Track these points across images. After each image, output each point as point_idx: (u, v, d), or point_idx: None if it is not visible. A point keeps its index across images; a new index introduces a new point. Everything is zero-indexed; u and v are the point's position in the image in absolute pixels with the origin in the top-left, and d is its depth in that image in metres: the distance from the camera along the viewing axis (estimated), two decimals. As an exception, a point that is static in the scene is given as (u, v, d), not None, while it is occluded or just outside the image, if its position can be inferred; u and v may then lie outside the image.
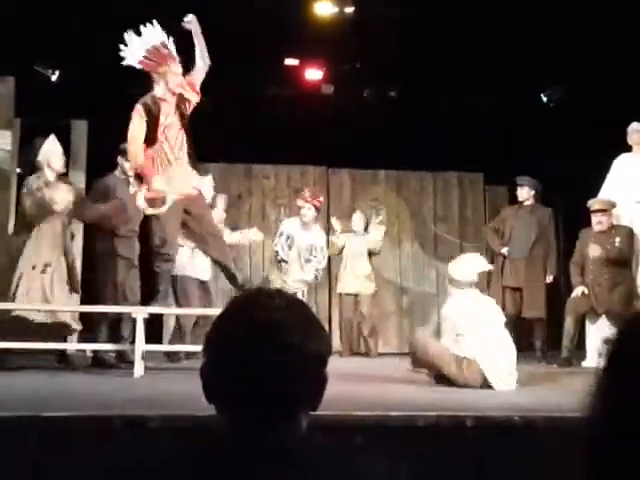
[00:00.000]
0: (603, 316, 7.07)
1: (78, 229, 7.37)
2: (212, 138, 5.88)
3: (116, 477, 1.30)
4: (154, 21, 5.58)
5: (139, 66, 5.62)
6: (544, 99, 9.73)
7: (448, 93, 9.38)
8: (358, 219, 8.82)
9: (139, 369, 5.36)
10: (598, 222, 7.07)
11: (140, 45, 5.56)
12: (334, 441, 1.35)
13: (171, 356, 6.90)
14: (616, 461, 1.00)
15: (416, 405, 3.79)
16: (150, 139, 5.65)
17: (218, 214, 7.27)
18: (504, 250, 7.93)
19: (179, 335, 7.35)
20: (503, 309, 7.81)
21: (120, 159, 6.53)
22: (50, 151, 6.19)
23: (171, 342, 7.51)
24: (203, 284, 7.46)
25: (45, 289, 5.92)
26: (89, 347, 6.47)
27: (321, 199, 8.08)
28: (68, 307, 6.15)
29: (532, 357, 7.62)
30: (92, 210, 6.41)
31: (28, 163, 6.25)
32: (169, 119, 5.70)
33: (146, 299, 6.07)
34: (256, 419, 1.29)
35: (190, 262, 7.11)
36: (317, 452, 1.28)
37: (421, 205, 10.26)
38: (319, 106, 9.36)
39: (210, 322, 1.40)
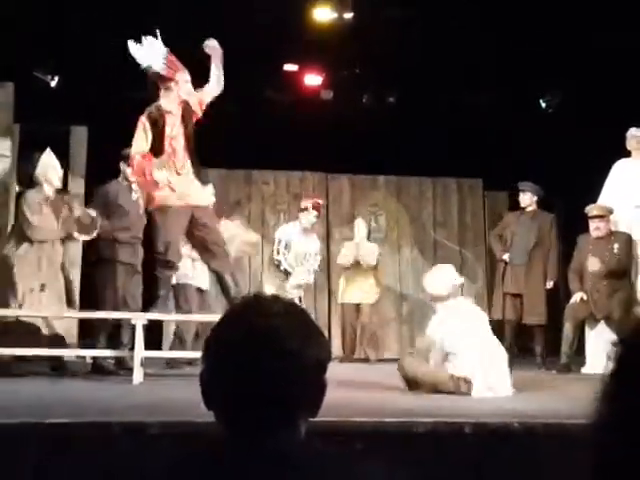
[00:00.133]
0: (602, 322, 7.07)
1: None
2: (211, 144, 5.88)
3: (116, 484, 1.30)
4: (157, 32, 5.57)
5: (163, 72, 5.60)
6: (543, 105, 9.75)
7: (447, 98, 9.40)
8: (360, 227, 8.80)
9: (138, 376, 5.36)
10: (596, 228, 7.08)
11: (159, 51, 5.56)
12: (333, 447, 1.35)
13: (171, 363, 6.90)
14: (624, 467, 1.00)
15: (415, 411, 3.79)
16: (157, 150, 5.65)
17: None
18: (505, 256, 7.94)
19: (179, 342, 7.35)
20: (503, 315, 7.86)
21: (122, 165, 6.53)
22: (47, 165, 6.20)
23: (171, 349, 7.51)
24: (202, 293, 7.48)
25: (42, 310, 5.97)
26: (88, 353, 6.46)
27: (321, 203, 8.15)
28: (68, 313, 6.16)
29: (531, 363, 7.62)
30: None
31: (27, 177, 6.25)
32: (175, 130, 5.69)
33: (147, 305, 6.07)
34: (255, 424, 1.29)
35: (191, 270, 7.11)
36: (316, 458, 1.29)
37: (420, 211, 10.27)
38: (318, 111, 9.37)
39: (209, 330, 1.41)
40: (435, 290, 5.10)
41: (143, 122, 5.63)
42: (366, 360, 8.47)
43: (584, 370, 6.98)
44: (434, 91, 9.29)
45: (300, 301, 7.55)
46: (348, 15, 8.26)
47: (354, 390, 4.91)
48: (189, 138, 5.76)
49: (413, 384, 4.97)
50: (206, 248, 5.90)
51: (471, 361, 4.83)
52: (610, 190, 7.37)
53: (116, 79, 8.54)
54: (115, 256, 6.38)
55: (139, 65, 5.59)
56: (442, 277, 5.16)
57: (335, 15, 8.28)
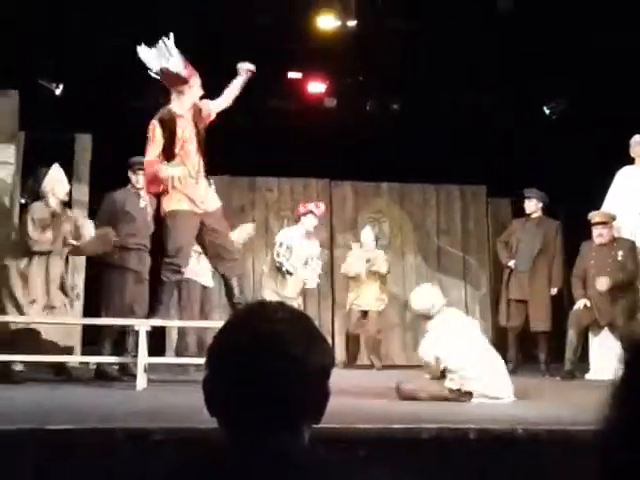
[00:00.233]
0: (606, 329, 7.06)
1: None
2: (215, 151, 5.89)
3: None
4: (171, 34, 5.58)
5: (182, 72, 5.60)
6: (547, 112, 9.75)
7: (450, 104, 9.41)
8: (368, 235, 8.80)
9: (142, 382, 5.36)
10: (599, 235, 7.08)
11: (175, 52, 5.58)
12: (337, 454, 1.35)
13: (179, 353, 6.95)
14: (631, 473, 1.00)
15: (419, 418, 3.78)
16: (168, 154, 5.67)
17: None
18: (511, 263, 7.94)
19: (181, 338, 7.40)
20: (508, 321, 7.86)
21: (130, 174, 6.55)
22: (54, 179, 6.23)
23: (177, 349, 7.54)
24: (205, 289, 7.54)
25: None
26: (92, 360, 6.47)
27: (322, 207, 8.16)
28: (71, 320, 6.17)
29: (535, 370, 7.62)
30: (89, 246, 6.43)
31: (33, 189, 6.27)
32: (187, 133, 5.70)
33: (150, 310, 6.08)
34: (257, 425, 1.29)
35: (196, 265, 7.11)
36: (319, 464, 1.28)
37: (424, 218, 10.27)
38: (322, 119, 9.38)
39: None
40: (422, 307, 5.06)
41: (154, 125, 5.64)
42: (370, 367, 8.47)
43: (588, 376, 6.98)
44: (437, 98, 9.30)
45: (298, 307, 7.54)
46: (352, 23, 8.27)
47: (358, 397, 4.90)
48: (201, 142, 5.78)
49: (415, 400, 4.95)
50: (215, 251, 5.92)
51: (472, 375, 4.80)
52: (614, 197, 7.37)
53: (120, 87, 8.58)
54: (120, 262, 6.39)
55: (149, 70, 5.59)
56: (427, 295, 5.13)
57: (339, 23, 8.29)
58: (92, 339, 6.96)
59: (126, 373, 6.11)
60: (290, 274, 7.79)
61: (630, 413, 1.02)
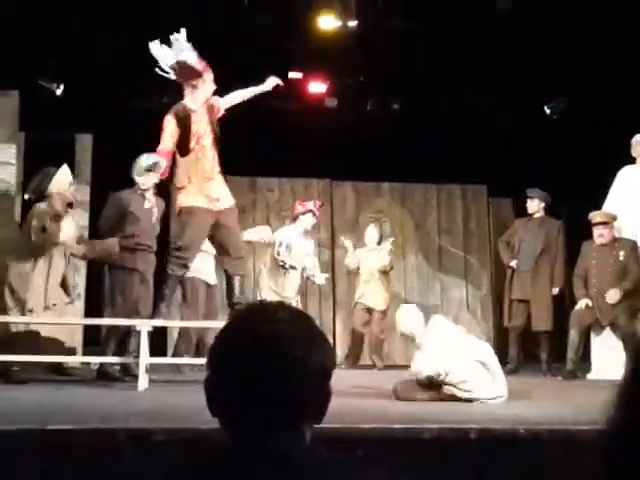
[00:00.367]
0: (608, 328, 7.06)
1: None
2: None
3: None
4: (182, 30, 5.59)
5: (198, 65, 5.62)
6: (547, 111, 9.74)
7: (450, 103, 9.41)
8: (371, 234, 8.81)
9: (143, 382, 5.36)
10: (600, 235, 7.07)
11: (188, 47, 5.59)
12: (338, 454, 1.35)
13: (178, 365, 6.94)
14: (635, 475, 1.00)
15: (420, 418, 3.78)
16: (183, 149, 5.69)
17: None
18: (513, 263, 7.94)
19: (184, 342, 7.40)
20: (510, 321, 7.86)
21: (136, 177, 6.55)
22: (62, 181, 6.24)
23: (176, 348, 7.55)
24: (209, 288, 7.55)
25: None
26: (94, 360, 6.47)
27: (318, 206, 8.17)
28: (73, 320, 6.17)
29: (537, 369, 7.62)
30: (92, 247, 6.45)
31: (38, 190, 6.26)
32: (202, 128, 5.73)
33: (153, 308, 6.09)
34: (257, 425, 1.29)
35: (199, 264, 7.10)
36: (319, 464, 1.28)
37: (425, 217, 10.26)
38: (323, 119, 9.38)
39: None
40: (412, 329, 5.02)
41: (169, 120, 5.66)
42: (372, 367, 8.46)
43: (590, 376, 6.97)
44: (437, 97, 9.30)
45: (297, 305, 7.54)
46: (352, 23, 8.27)
47: (359, 397, 4.90)
48: (216, 137, 5.80)
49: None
50: (223, 248, 5.95)
51: (471, 385, 4.77)
52: (615, 197, 7.36)
53: (120, 87, 8.58)
54: (123, 263, 6.39)
55: (160, 67, 5.59)
56: (411, 317, 5.09)
57: (339, 23, 8.29)
58: (94, 339, 6.97)
59: (128, 373, 6.11)
60: (294, 268, 7.79)
61: (635, 414, 1.02)
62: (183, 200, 5.73)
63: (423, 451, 3.23)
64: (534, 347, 7.92)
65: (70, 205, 6.48)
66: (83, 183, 8.23)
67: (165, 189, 6.71)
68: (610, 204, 7.35)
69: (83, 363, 7.10)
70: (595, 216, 7.15)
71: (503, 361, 6.42)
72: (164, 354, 7.91)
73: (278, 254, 7.80)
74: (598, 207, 7.32)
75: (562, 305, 8.25)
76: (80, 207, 7.79)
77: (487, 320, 9.92)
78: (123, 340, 6.23)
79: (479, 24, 7.98)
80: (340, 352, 9.07)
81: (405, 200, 10.28)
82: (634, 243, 7.10)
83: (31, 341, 5.84)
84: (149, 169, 6.19)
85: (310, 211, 7.97)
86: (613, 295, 6.87)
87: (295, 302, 7.60)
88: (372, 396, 5.12)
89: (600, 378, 6.60)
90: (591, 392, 5.35)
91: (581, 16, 7.51)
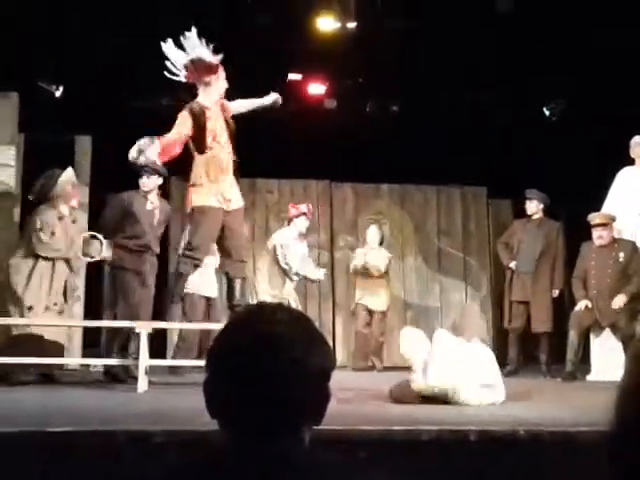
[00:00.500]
0: (607, 330, 7.06)
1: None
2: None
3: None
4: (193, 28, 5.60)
5: (214, 60, 5.62)
6: (547, 113, 9.75)
7: (449, 104, 9.40)
8: (373, 234, 8.80)
9: (143, 384, 5.36)
10: (599, 237, 7.07)
11: (200, 42, 5.59)
12: (337, 456, 1.35)
13: (175, 370, 6.91)
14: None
15: (420, 420, 3.78)
16: (200, 146, 5.69)
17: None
18: (512, 264, 7.94)
19: (182, 342, 7.39)
20: (510, 322, 7.86)
21: (140, 179, 6.54)
22: (66, 184, 6.24)
23: (175, 353, 7.54)
24: (210, 301, 7.53)
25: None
26: (92, 362, 6.48)
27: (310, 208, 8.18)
28: (72, 322, 6.17)
29: (537, 371, 7.61)
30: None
31: (42, 192, 6.26)
32: (217, 125, 5.73)
33: (156, 314, 6.09)
34: (257, 426, 1.29)
35: (197, 279, 7.08)
36: (318, 466, 1.28)
37: (425, 219, 10.26)
38: (322, 120, 9.38)
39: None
40: (410, 354, 4.97)
41: (183, 114, 5.66)
42: (372, 368, 8.46)
43: (589, 378, 6.97)
44: (437, 96, 9.30)
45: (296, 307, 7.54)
46: (351, 25, 8.26)
47: (359, 398, 4.90)
48: (232, 135, 5.81)
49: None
50: (225, 250, 5.92)
51: (471, 391, 4.76)
52: (614, 198, 7.36)
53: (120, 87, 8.58)
54: (123, 263, 6.39)
55: (173, 67, 5.58)
56: (413, 340, 5.06)
57: (338, 25, 8.28)
58: (93, 341, 6.96)
59: (129, 375, 6.10)
60: (298, 275, 7.80)
61: (636, 415, 1.02)
62: (196, 199, 5.71)
63: (423, 453, 3.22)
64: (534, 348, 7.91)
65: (73, 207, 6.48)
66: (82, 184, 8.21)
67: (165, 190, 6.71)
68: (609, 205, 7.35)
69: (82, 365, 7.10)
70: (594, 218, 7.15)
71: (502, 362, 6.44)
72: (163, 356, 7.91)
73: (285, 257, 7.75)
74: (597, 208, 7.32)
75: (562, 306, 8.25)
76: (80, 208, 7.79)
77: (486, 321, 9.91)
78: (124, 342, 6.24)
79: (479, 23, 7.97)
80: (340, 354, 9.07)
81: (404, 202, 10.28)
82: (634, 244, 7.09)
83: (31, 344, 5.83)
84: (140, 150, 6.00)
85: (303, 214, 7.96)
86: (619, 301, 6.87)
87: (292, 301, 7.58)
88: (371, 398, 5.12)
89: (600, 379, 6.60)
90: (591, 393, 5.36)
91: (581, 14, 7.50)
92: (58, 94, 8.81)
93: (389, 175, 9.87)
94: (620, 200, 7.29)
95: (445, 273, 10.15)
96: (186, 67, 5.61)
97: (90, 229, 6.96)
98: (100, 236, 6.27)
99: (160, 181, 6.62)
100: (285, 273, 7.77)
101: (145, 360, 5.45)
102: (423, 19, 8.09)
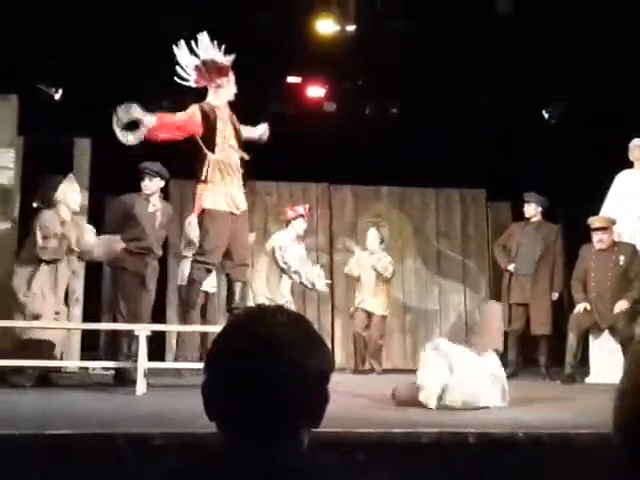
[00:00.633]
0: (606, 332, 7.06)
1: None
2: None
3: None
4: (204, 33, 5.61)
5: (227, 62, 5.66)
6: (546, 116, 9.75)
7: (449, 107, 9.41)
8: (373, 237, 8.80)
9: (142, 386, 5.35)
10: (599, 240, 7.07)
11: (211, 45, 5.61)
12: (336, 458, 1.35)
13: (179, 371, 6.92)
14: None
15: (419, 422, 3.78)
16: (211, 145, 5.69)
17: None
18: (510, 267, 7.94)
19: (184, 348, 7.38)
20: (509, 325, 7.85)
21: (142, 181, 6.54)
22: (67, 190, 6.25)
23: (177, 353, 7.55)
24: (208, 296, 7.54)
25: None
26: (90, 365, 6.47)
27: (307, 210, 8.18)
28: (71, 325, 6.16)
29: (536, 373, 7.61)
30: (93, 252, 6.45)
31: (45, 197, 6.26)
32: (227, 128, 5.76)
33: (156, 316, 6.09)
34: (255, 428, 1.29)
35: None
36: (318, 469, 1.28)
37: (424, 221, 10.27)
38: (321, 123, 9.38)
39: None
40: (432, 384, 4.93)
41: (194, 109, 5.67)
42: (371, 371, 8.46)
43: (588, 380, 6.97)
44: (437, 99, 9.31)
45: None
46: (351, 27, 8.27)
47: (358, 401, 4.89)
48: (240, 140, 5.86)
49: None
50: (227, 252, 5.92)
51: (478, 396, 4.74)
52: (613, 201, 7.36)
53: (120, 89, 8.56)
54: (123, 265, 6.39)
55: (184, 72, 5.59)
56: (432, 368, 4.98)
57: (338, 27, 8.29)
58: (91, 344, 6.96)
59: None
60: (297, 274, 7.78)
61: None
62: (207, 200, 5.72)
63: (422, 455, 3.22)
64: (533, 351, 7.91)
65: (75, 212, 6.49)
66: (81, 187, 8.22)
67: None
68: (608, 208, 7.35)
69: (81, 368, 7.09)
70: (594, 221, 7.14)
71: (502, 364, 6.43)
72: (162, 359, 7.90)
73: (283, 258, 7.73)
74: (597, 211, 7.32)
75: (561, 309, 8.25)
76: (79, 212, 7.79)
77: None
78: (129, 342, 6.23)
79: (479, 25, 7.98)
80: (339, 356, 9.07)
81: (404, 204, 10.28)
82: (634, 247, 7.09)
83: (31, 347, 5.83)
84: (118, 119, 5.80)
85: (301, 216, 7.95)
86: (621, 306, 6.87)
87: (288, 301, 7.58)
88: (371, 400, 5.11)
89: (599, 382, 6.59)
90: (590, 396, 5.36)
91: (581, 17, 7.51)
92: (57, 96, 8.81)
93: (388, 177, 9.87)
94: (619, 203, 7.29)
95: (444, 275, 10.15)
96: (198, 69, 5.62)
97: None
98: (93, 231, 6.28)
99: (162, 184, 6.63)
100: (284, 272, 7.76)
101: (144, 362, 5.44)
102: (423, 21, 8.10)
